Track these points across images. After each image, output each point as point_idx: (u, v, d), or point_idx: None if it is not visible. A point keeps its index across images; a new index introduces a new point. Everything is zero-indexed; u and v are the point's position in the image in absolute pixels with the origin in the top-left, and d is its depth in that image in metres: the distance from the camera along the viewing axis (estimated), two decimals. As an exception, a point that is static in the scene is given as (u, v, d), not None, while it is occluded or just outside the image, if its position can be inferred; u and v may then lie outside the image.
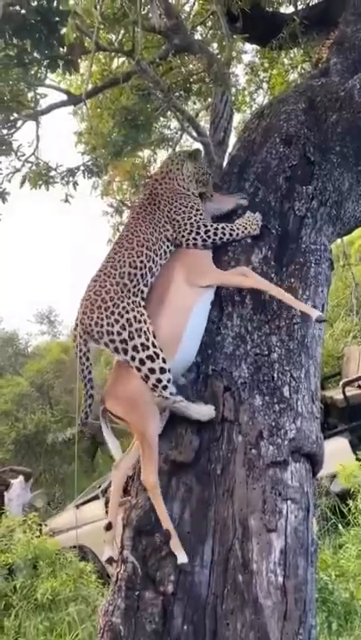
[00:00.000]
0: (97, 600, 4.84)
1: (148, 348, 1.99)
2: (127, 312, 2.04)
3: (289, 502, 1.89)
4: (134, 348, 1.99)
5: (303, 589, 1.80)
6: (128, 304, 2.07)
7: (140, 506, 1.98)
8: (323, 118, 2.91)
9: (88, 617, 4.69)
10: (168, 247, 2.38)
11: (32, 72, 3.15)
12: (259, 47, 6.02)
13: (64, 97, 3.99)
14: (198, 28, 5.29)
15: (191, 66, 4.95)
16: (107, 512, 6.73)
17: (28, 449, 11.19)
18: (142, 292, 2.17)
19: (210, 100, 5.38)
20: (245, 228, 2.42)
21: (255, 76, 7.18)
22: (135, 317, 2.03)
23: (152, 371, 1.98)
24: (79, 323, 2.09)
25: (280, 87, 6.30)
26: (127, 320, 2.02)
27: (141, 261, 2.20)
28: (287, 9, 5.50)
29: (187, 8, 5.45)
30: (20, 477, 7.92)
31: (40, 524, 6.06)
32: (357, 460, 5.52)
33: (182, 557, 1.81)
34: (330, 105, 2.95)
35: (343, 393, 6.75)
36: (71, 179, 4.41)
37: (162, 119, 6.19)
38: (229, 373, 2.13)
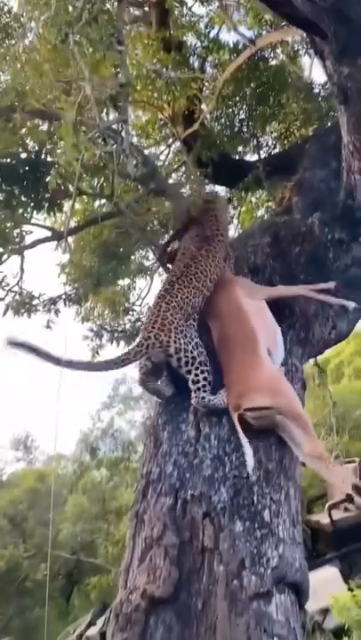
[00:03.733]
0: None
1: (206, 365, 2.48)
2: (192, 338, 2.56)
3: (275, 639, 1.78)
4: (197, 368, 2.45)
5: None
6: (192, 333, 2.60)
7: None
8: (287, 250, 3.18)
9: None
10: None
11: (19, 212, 3.42)
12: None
13: (48, 233, 4.27)
14: (172, 174, 5.85)
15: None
16: None
17: (-3, 589, 10.26)
18: (195, 319, 2.71)
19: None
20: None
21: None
22: (197, 343, 2.55)
23: (205, 379, 2.43)
24: (152, 335, 2.50)
25: (249, 222, 6.83)
26: (194, 344, 2.54)
27: (198, 302, 2.71)
28: (252, 157, 6.16)
29: (163, 157, 6.09)
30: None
31: None
32: (350, 589, 5.12)
33: None
34: (293, 238, 3.25)
35: (330, 516, 6.49)
36: (53, 307, 4.58)
37: (141, 250, 6.60)
38: (208, 498, 2.10)
